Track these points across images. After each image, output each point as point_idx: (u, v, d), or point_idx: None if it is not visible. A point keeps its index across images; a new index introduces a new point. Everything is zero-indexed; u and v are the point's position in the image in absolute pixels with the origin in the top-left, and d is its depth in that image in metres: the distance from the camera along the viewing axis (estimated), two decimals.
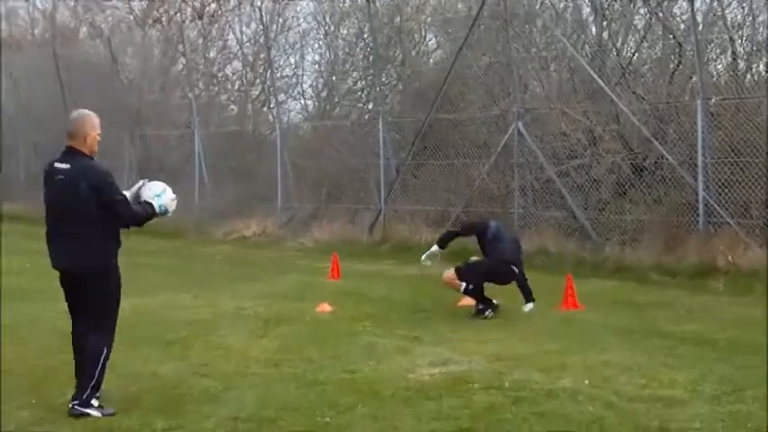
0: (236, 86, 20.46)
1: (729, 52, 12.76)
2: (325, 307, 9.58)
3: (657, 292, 10.69)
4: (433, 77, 16.16)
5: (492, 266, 9.34)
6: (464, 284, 9.26)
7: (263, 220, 17.43)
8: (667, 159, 12.16)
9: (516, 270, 9.33)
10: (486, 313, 9.18)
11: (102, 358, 5.80)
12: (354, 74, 18.40)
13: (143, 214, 5.88)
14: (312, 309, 9.57)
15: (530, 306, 9.31)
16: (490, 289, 9.38)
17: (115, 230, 5.82)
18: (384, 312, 9.46)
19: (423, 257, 9.76)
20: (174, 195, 6.04)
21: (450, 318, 9.20)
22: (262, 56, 19.23)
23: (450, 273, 9.34)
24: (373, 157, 16.22)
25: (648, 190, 12.55)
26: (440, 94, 14.92)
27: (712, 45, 13.05)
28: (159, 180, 6.15)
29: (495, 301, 9.32)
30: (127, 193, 5.89)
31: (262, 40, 18.59)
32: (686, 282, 11.06)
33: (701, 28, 12.39)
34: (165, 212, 5.98)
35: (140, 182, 6.10)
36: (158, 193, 5.96)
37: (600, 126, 13.17)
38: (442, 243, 9.69)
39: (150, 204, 5.92)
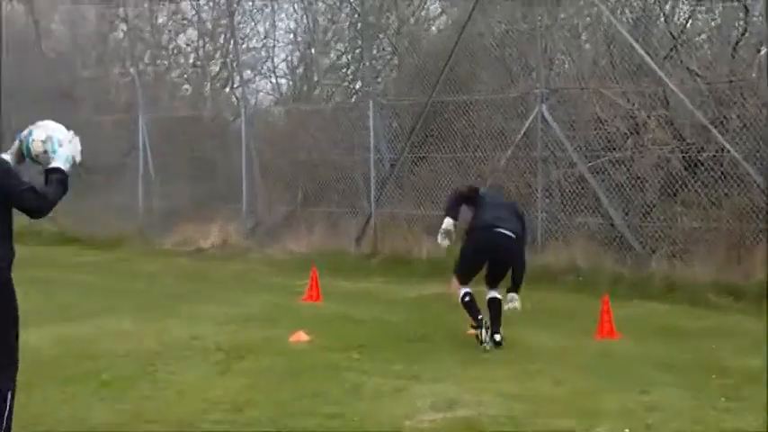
0: (191, 61, 20.45)
1: None
2: (301, 335, 9.56)
3: (716, 317, 10.71)
4: (436, 50, 16.20)
5: (465, 249, 9.31)
6: (462, 291, 9.23)
7: (225, 226, 17.41)
8: (729, 152, 12.20)
9: (503, 246, 9.09)
10: (483, 338, 8.97)
11: (7, 405, 5.53)
12: (338, 46, 18.44)
13: (58, 189, 5.46)
14: (285, 338, 9.54)
15: (513, 301, 9.11)
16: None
17: (7, 235, 5.61)
18: (375, 342, 9.44)
19: (438, 238, 9.40)
20: (70, 134, 5.67)
21: (456, 348, 9.18)
22: (223, 22, 19.24)
23: (454, 278, 9.39)
24: (362, 149, 16.23)
25: (705, 190, 12.59)
26: (444, 71, 14.94)
27: None
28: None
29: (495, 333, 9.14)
30: (7, 156, 5.55)
31: (223, 2, 18.60)
32: (751, 305, 11.08)
33: None
34: (72, 164, 5.60)
35: (21, 136, 5.64)
36: (57, 141, 5.59)
37: (644, 111, 13.20)
38: (452, 213, 9.35)
39: (56, 171, 5.50)
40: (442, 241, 9.38)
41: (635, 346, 9.19)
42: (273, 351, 9.05)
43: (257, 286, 13.44)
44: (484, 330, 9.05)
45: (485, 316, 9.20)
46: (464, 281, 9.37)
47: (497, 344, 9.08)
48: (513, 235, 9.11)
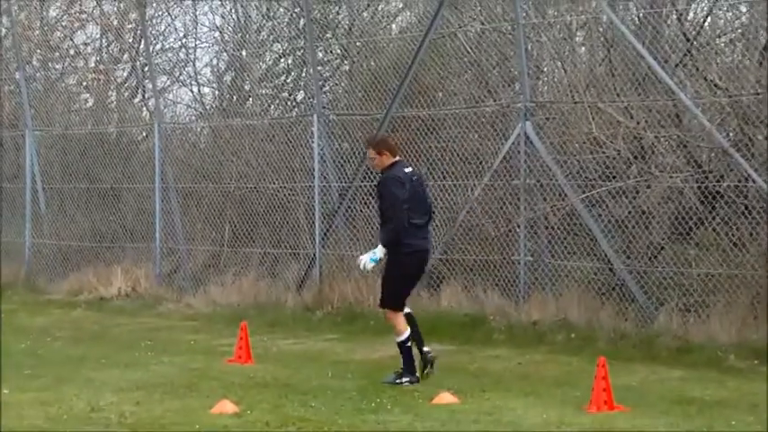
0: (92, 65, 20.40)
1: None
2: (227, 406, 9.53)
3: (738, 384, 10.75)
4: (396, 54, 16.25)
5: (404, 270, 10.91)
6: (407, 332, 10.78)
7: (133, 270, 17.34)
8: (755, 182, 12.30)
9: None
10: (402, 380, 10.56)
11: None
12: (276, 47, 18.46)
13: None
14: (206, 409, 9.51)
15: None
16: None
17: None
18: (320, 415, 9.43)
19: (368, 265, 10.93)
20: None
21: (420, 420, 9.20)
22: (132, 17, 19.23)
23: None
24: (305, 174, 16.25)
25: (726, 229, 12.67)
26: (406, 79, 15.01)
27: None
28: None
29: (427, 352, 10.80)
30: None
31: None
32: None
33: None
34: None
35: None
36: None
37: (651, 130, 13.30)
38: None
39: None
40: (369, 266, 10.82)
41: (638, 421, 9.20)
42: (191, 426, 8.99)
43: (173, 345, 13.36)
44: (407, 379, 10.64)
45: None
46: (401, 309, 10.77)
47: (433, 361, 10.88)
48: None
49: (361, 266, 10.79)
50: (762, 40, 13.13)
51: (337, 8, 17.56)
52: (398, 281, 10.79)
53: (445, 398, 9.93)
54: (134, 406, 9.72)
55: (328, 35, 17.54)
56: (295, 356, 12.59)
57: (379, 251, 10.65)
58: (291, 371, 11.55)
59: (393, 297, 10.81)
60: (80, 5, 20.38)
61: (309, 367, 11.83)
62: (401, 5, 17.90)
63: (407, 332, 10.71)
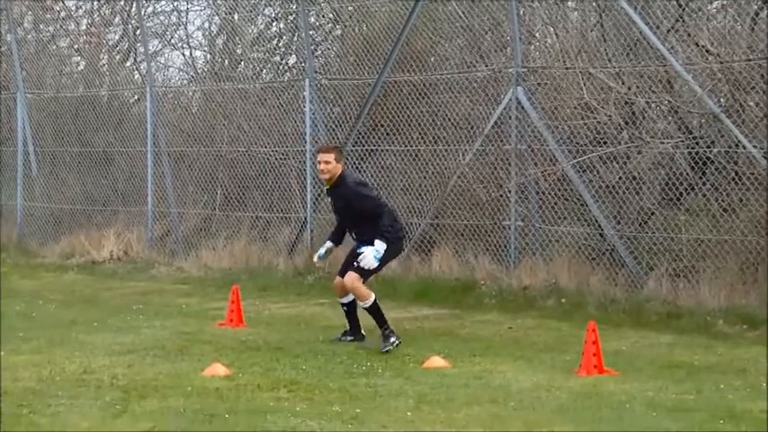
0: (84, 27, 20.32)
1: None
2: (219, 369, 9.58)
3: (727, 350, 10.83)
4: (388, 18, 16.20)
5: (390, 252, 11.09)
6: (373, 295, 10.97)
7: (125, 233, 17.34)
8: (745, 148, 12.33)
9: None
10: (390, 341, 10.77)
11: None
12: (268, 10, 18.40)
13: None
14: (198, 372, 9.56)
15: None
16: None
17: None
18: (309, 378, 9.48)
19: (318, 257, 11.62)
20: None
21: (410, 384, 9.24)
22: None
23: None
24: (296, 139, 16.25)
25: (716, 194, 12.70)
26: (398, 44, 14.98)
27: None
28: None
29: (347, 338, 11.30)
30: None
31: None
32: None
33: None
34: None
35: None
36: None
37: (643, 96, 13.31)
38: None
39: None
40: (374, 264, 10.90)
41: (627, 385, 9.26)
42: (183, 388, 9.03)
43: (165, 309, 13.40)
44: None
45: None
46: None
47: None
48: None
49: (368, 267, 10.76)
50: (753, 6, 13.13)
51: None
52: (383, 262, 10.89)
53: (436, 362, 10.00)
54: (126, 368, 9.77)
55: None
56: (286, 320, 12.62)
57: (381, 247, 10.71)
58: (282, 335, 11.59)
59: (369, 272, 10.89)
60: None
61: (300, 331, 11.86)
62: None
63: (372, 295, 10.83)
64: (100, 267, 16.91)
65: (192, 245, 16.81)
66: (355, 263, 10.81)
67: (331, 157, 10.90)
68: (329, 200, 11.40)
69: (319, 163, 10.96)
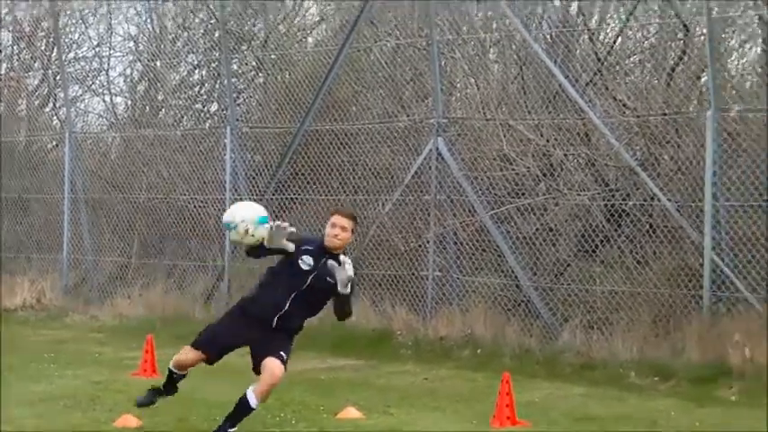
0: (2, 71, 20.17)
1: (760, 40, 13.05)
2: (130, 420, 9.50)
3: (639, 402, 10.91)
4: (311, 67, 16.27)
5: None
6: None
7: (39, 281, 17.16)
8: (660, 201, 12.49)
9: None
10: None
11: None
12: (191, 57, 18.40)
13: None
14: (109, 423, 9.47)
15: None
16: None
17: None
18: None
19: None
20: None
21: None
22: (44, 25, 19.06)
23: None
24: (216, 186, 16.20)
25: (630, 247, 12.84)
26: (320, 93, 15.04)
27: (734, 29, 13.42)
28: None
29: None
30: None
31: None
32: (684, 387, 11.32)
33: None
34: None
35: None
36: None
37: (561, 148, 13.44)
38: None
39: None
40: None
41: None
42: None
43: (78, 358, 13.24)
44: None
45: None
46: None
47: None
48: None
49: (346, 279, 8.77)
50: (670, 62, 13.32)
51: (253, 20, 17.55)
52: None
53: (350, 413, 9.97)
54: (37, 419, 9.64)
55: (243, 47, 17.51)
56: (200, 370, 12.47)
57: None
58: (196, 384, 11.48)
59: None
60: None
61: (214, 381, 11.76)
62: (317, 19, 17.91)
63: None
64: (12, 316, 16.72)
65: (107, 293, 16.68)
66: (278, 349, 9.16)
67: (351, 224, 8.88)
68: (300, 263, 8.91)
69: (334, 226, 8.75)
